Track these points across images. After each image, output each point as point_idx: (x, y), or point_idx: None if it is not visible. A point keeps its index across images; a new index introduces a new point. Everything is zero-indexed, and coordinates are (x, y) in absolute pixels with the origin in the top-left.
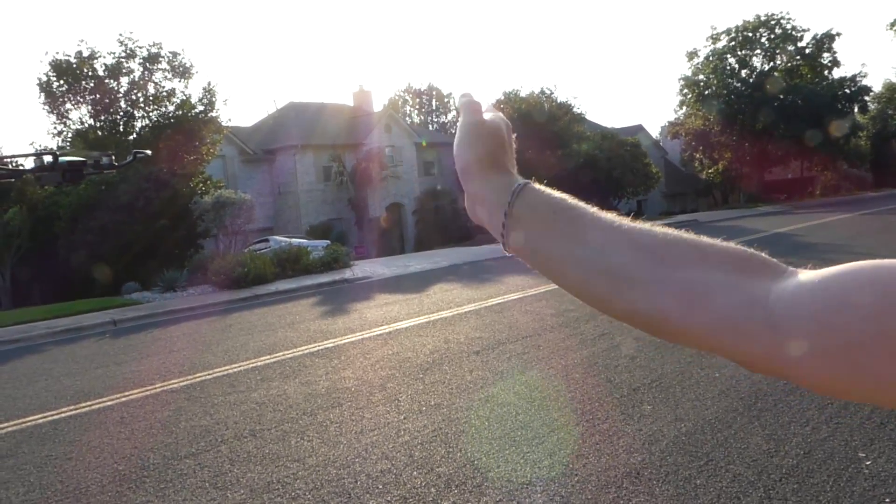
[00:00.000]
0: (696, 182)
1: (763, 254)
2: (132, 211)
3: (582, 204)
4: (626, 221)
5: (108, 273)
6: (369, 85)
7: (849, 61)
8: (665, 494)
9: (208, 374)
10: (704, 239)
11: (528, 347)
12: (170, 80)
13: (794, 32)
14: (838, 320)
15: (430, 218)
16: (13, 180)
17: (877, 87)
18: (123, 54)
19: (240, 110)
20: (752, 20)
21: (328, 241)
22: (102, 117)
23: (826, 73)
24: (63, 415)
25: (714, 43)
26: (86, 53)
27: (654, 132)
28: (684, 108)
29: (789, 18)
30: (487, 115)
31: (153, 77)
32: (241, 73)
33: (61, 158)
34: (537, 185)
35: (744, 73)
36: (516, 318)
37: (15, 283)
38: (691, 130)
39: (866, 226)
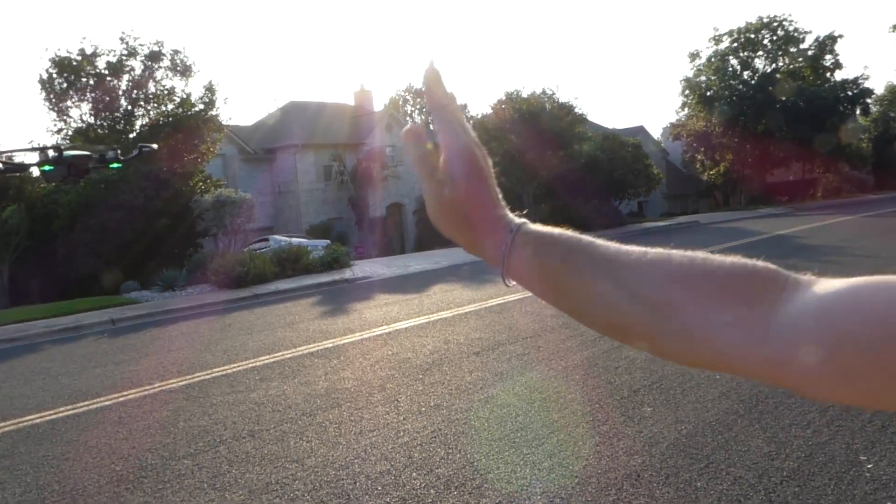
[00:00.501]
0: (697, 183)
1: (767, 265)
2: (132, 210)
3: (579, 242)
4: (616, 254)
5: (106, 272)
6: (370, 84)
7: (851, 64)
8: (665, 497)
9: (207, 374)
10: (702, 260)
11: (529, 348)
12: (170, 78)
13: (796, 34)
14: (840, 355)
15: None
16: (18, 175)
17: (879, 90)
18: (125, 52)
19: (240, 109)
20: (754, 22)
21: (328, 241)
22: (103, 115)
23: (828, 75)
24: (61, 415)
25: (716, 44)
26: (88, 51)
27: (656, 133)
28: (686, 109)
29: (792, 20)
30: (452, 149)
31: (154, 75)
32: (241, 72)
33: (66, 153)
34: (529, 230)
35: (746, 74)
36: (516, 319)
37: (13, 281)
38: (693, 132)
39: (868, 228)
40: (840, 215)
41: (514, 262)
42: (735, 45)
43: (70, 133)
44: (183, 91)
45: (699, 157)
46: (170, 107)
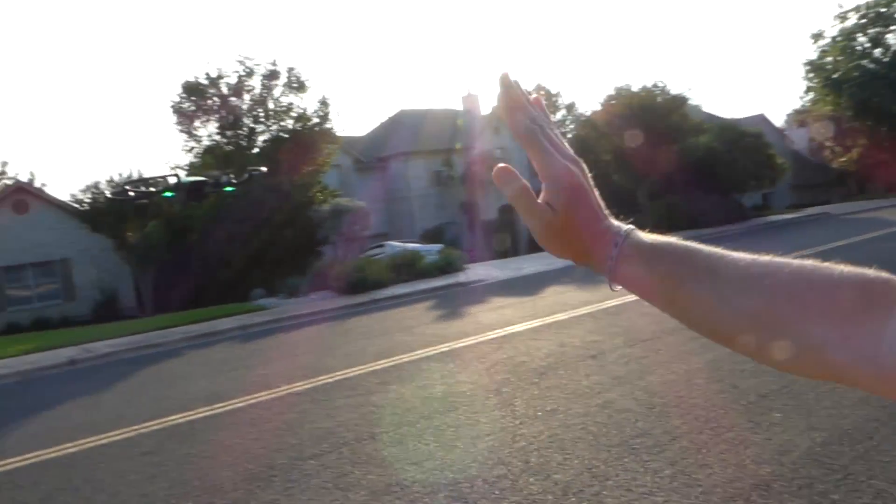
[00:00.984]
0: (826, 172)
1: (880, 274)
2: (257, 221)
3: (687, 251)
4: (722, 265)
5: (236, 280)
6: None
7: None
8: None
9: (330, 378)
10: (810, 272)
11: (648, 351)
12: (287, 95)
13: None
14: None
15: None
16: (146, 201)
17: None
18: (244, 73)
19: (353, 120)
20: None
21: (441, 245)
22: (228, 133)
23: None
24: (199, 415)
25: (842, 22)
26: (213, 75)
27: (779, 121)
28: (811, 94)
29: None
30: (550, 178)
31: (272, 93)
32: (353, 85)
33: (184, 179)
34: (636, 241)
35: (877, 52)
36: (634, 321)
37: (156, 291)
38: (819, 117)
39: None
40: None
41: (620, 273)
42: (863, 20)
43: (200, 152)
44: (299, 106)
45: (828, 144)
46: (288, 122)
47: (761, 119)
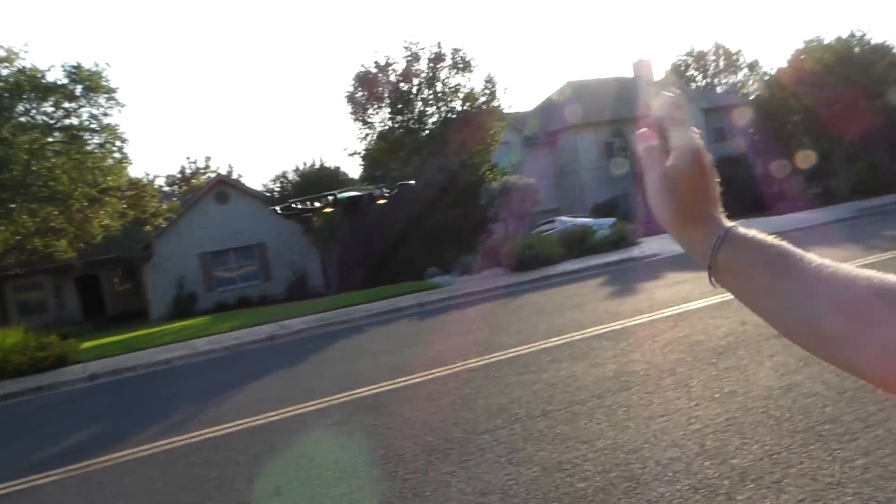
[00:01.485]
0: None
1: None
2: (430, 202)
3: (787, 250)
4: (830, 267)
5: (412, 259)
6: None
7: None
8: None
9: (502, 355)
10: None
11: None
12: (453, 76)
13: None
14: None
15: (723, 188)
16: (310, 215)
17: None
18: (410, 58)
19: (520, 96)
20: None
21: (614, 219)
22: (399, 118)
23: None
24: (383, 389)
25: None
26: (382, 63)
27: None
28: None
29: None
30: (682, 146)
31: (438, 75)
32: (519, 60)
33: (340, 196)
34: (740, 231)
35: None
36: None
37: (340, 270)
38: None
39: None
40: None
41: (720, 258)
42: None
43: (374, 138)
44: (466, 86)
45: None
46: (456, 102)
47: None
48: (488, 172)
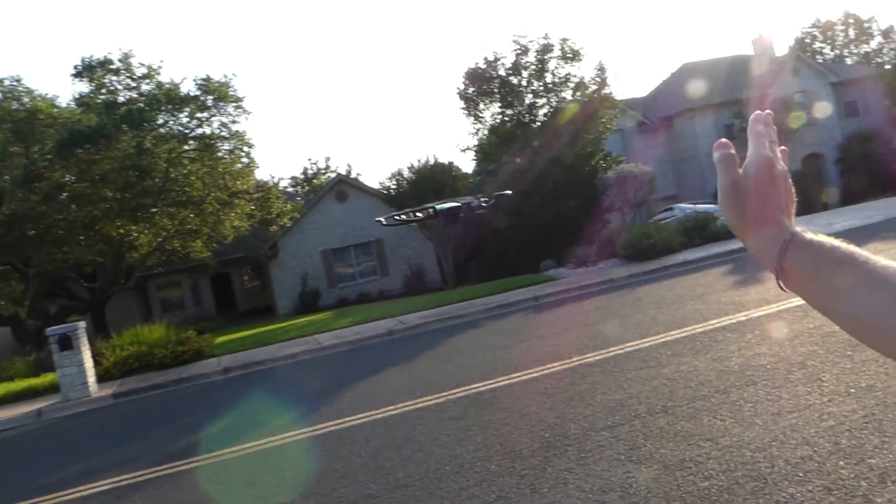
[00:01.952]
0: None
1: None
2: (543, 194)
3: (853, 252)
4: (890, 266)
5: (526, 252)
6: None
7: None
8: None
9: (620, 349)
10: None
11: None
12: (563, 66)
13: None
14: None
15: (858, 165)
16: (414, 225)
17: None
18: (519, 51)
19: (633, 82)
20: None
21: None
22: (509, 112)
23: None
24: (499, 383)
25: None
26: (491, 58)
27: None
28: None
29: None
30: (753, 157)
31: (547, 66)
32: (630, 44)
33: (441, 207)
34: (806, 236)
35: None
36: None
37: (456, 264)
38: None
39: None
40: None
41: (788, 262)
42: None
43: (485, 132)
44: (575, 75)
45: None
46: (566, 92)
47: None
48: (602, 161)
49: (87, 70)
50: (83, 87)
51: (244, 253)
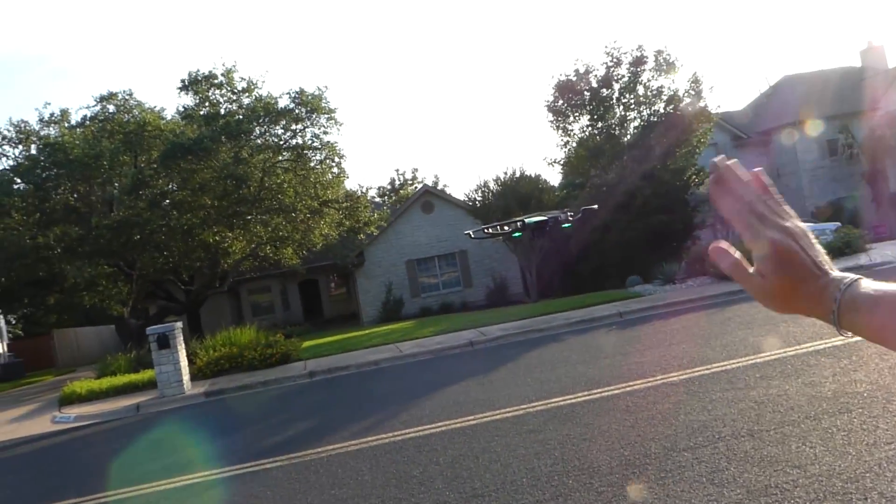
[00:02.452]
0: None
1: None
2: (629, 209)
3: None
4: None
5: (613, 267)
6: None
7: None
8: None
9: (706, 369)
10: None
11: None
12: (656, 78)
13: None
14: None
15: None
16: (500, 238)
17: None
18: (611, 63)
19: (730, 94)
20: None
21: (837, 224)
22: (599, 124)
23: None
24: (578, 399)
25: None
26: (581, 70)
27: None
28: None
29: None
30: (759, 250)
31: (640, 78)
32: (727, 55)
33: (528, 221)
34: (852, 295)
35: None
36: None
37: (539, 279)
38: None
39: None
40: None
41: (845, 324)
42: None
43: (574, 145)
44: (669, 88)
45: None
46: (659, 105)
47: None
48: (694, 177)
49: (192, 84)
50: (188, 100)
51: (332, 261)
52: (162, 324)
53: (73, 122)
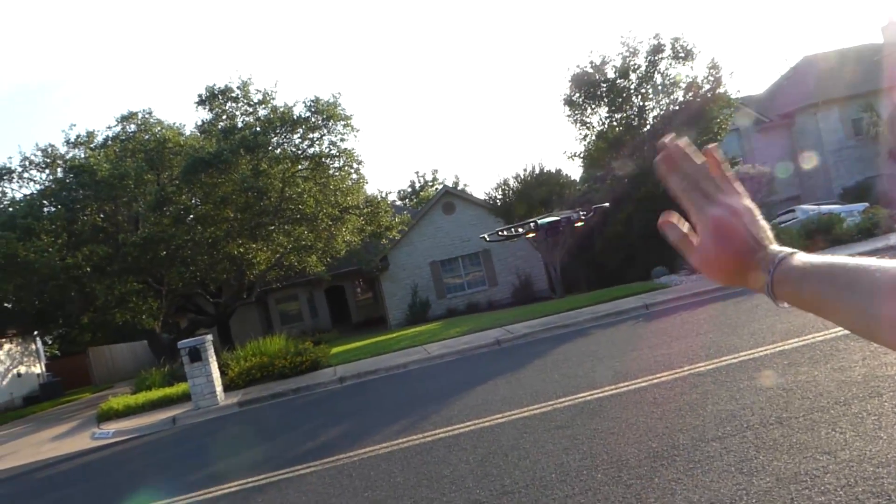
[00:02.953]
0: None
1: None
2: (654, 200)
3: (827, 270)
4: (870, 275)
5: (637, 259)
6: None
7: None
8: None
9: (734, 358)
10: None
11: None
12: (674, 66)
13: None
14: None
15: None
16: (515, 239)
17: None
18: (627, 53)
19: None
20: None
21: (865, 204)
22: (618, 116)
23: None
24: (606, 393)
25: None
26: (597, 62)
27: None
28: None
29: None
30: (701, 223)
31: (658, 67)
32: (745, 39)
33: (541, 221)
34: (787, 265)
35: None
36: None
37: (564, 273)
38: None
39: None
40: None
41: (778, 294)
42: None
43: (592, 138)
44: (688, 76)
45: None
46: (678, 94)
47: None
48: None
49: (209, 98)
50: (205, 114)
51: (356, 266)
52: (193, 337)
53: (97, 143)
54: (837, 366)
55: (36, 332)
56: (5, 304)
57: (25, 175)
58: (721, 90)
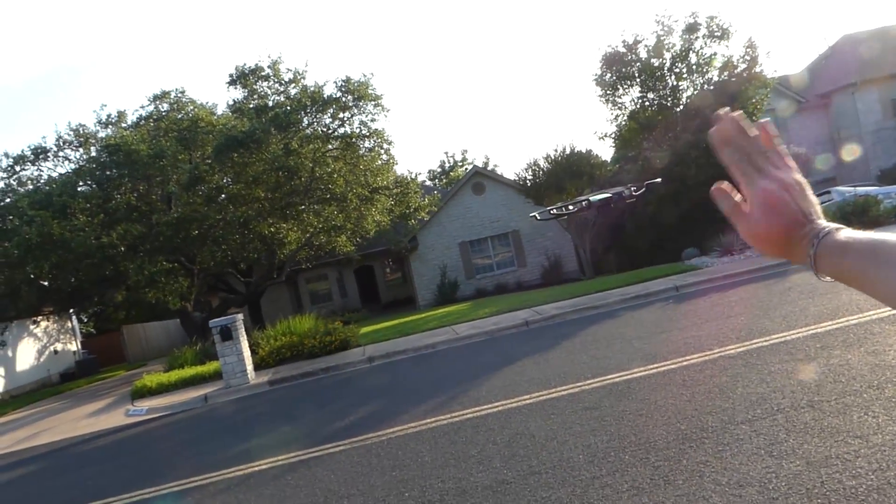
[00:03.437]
0: None
1: None
2: (685, 180)
3: (869, 246)
4: None
5: (668, 240)
6: None
7: None
8: None
9: (765, 341)
10: None
11: None
12: (709, 45)
13: None
14: None
15: None
16: (565, 217)
17: None
18: (662, 32)
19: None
20: None
21: None
22: (650, 95)
23: None
24: (634, 375)
25: None
26: (630, 41)
27: None
28: None
29: None
30: (752, 196)
31: (693, 46)
32: (783, 18)
33: (593, 199)
34: (828, 243)
35: None
36: None
37: (594, 255)
38: None
39: None
40: None
41: (820, 268)
42: None
43: (625, 119)
44: (723, 55)
45: None
46: (713, 73)
47: None
48: None
49: (240, 78)
50: (237, 93)
51: (386, 246)
52: (224, 316)
53: (128, 123)
54: (871, 349)
55: (72, 310)
56: (42, 282)
57: (60, 154)
58: (757, 69)
